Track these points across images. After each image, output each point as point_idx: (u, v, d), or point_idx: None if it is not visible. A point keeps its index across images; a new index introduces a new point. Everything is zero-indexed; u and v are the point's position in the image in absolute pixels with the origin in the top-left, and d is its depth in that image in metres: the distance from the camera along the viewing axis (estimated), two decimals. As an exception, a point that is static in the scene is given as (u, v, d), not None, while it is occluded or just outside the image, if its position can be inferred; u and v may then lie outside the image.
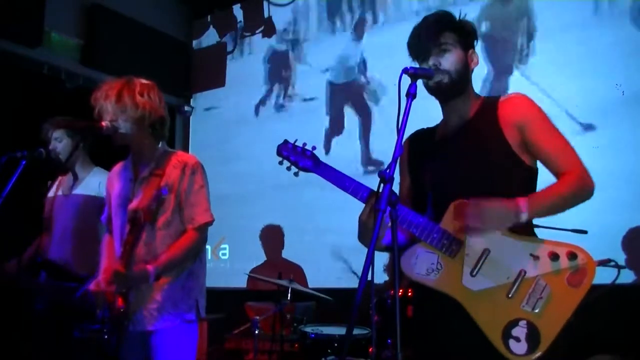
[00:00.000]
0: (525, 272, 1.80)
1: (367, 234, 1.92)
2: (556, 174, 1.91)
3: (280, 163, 2.12)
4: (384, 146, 4.94)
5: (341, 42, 5.47)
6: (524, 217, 1.80)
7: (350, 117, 5.34)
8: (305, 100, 5.63)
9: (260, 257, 5.55)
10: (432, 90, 2.01)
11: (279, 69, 5.84)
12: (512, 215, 1.79)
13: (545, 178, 1.95)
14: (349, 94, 5.35)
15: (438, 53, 1.97)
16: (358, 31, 5.39)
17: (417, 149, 2.14)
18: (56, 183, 3.48)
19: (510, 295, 1.80)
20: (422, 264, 1.90)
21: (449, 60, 1.97)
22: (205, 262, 2.76)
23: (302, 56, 5.72)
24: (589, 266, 1.78)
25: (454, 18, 2.04)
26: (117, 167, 2.80)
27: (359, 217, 1.94)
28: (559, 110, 4.10)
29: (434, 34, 1.98)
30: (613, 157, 3.90)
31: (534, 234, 1.94)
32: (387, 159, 1.82)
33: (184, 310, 2.54)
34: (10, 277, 3.29)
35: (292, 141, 2.12)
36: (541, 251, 1.82)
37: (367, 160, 5.13)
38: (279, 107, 5.78)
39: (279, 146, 2.13)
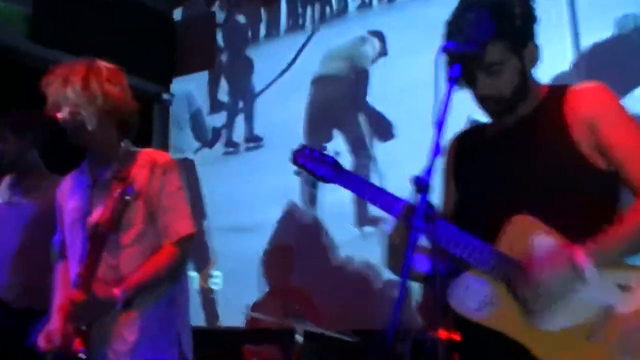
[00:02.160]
0: (612, 308, 1.77)
1: (399, 259, 1.93)
2: (632, 189, 1.87)
3: (297, 174, 2.19)
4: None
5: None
6: (587, 273, 1.75)
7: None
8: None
9: (262, 286, 5.53)
10: (487, 114, 2.04)
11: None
12: (571, 280, 1.76)
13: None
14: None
15: (486, 77, 1.93)
16: None
17: (465, 149, 2.17)
18: None
19: (592, 339, 1.76)
20: (472, 296, 1.88)
21: (501, 82, 1.93)
22: (188, 288, 2.76)
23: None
24: None
25: (499, 17, 1.88)
26: (69, 177, 2.81)
27: (389, 237, 1.96)
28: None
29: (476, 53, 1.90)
30: None
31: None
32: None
33: (163, 348, 2.54)
34: None
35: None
36: (633, 280, 1.78)
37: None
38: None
39: (294, 152, 2.17)
